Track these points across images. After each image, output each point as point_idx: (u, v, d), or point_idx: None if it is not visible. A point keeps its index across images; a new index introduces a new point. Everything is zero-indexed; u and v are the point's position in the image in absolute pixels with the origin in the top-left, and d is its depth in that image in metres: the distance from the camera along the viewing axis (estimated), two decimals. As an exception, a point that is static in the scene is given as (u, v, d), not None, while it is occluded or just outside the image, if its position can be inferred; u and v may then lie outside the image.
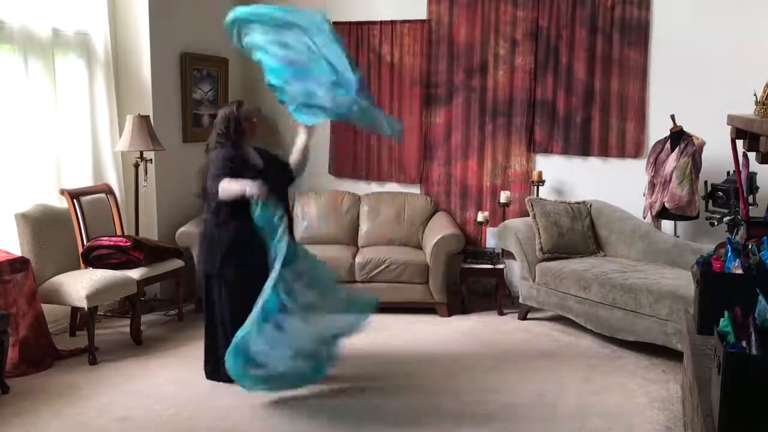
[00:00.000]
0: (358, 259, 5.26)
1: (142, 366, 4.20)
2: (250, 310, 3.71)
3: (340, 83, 3.54)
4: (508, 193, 5.66)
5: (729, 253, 3.19)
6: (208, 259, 3.79)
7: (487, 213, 5.71)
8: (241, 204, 3.57)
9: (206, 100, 5.85)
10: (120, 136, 5.08)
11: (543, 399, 3.79)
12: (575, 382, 4.03)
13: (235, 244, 3.70)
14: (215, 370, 3.90)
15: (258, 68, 6.48)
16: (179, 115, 5.60)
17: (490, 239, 5.68)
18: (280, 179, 3.86)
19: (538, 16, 5.64)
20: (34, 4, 4.49)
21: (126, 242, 4.61)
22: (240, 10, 3.71)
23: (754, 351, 2.25)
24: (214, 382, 3.91)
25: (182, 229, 5.23)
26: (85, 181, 4.98)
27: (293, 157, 4.01)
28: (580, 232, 5.22)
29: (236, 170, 3.64)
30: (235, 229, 3.69)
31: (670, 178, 4.91)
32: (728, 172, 4.78)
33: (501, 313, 5.35)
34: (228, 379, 3.82)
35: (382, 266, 5.20)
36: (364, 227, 5.81)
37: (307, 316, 3.57)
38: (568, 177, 5.75)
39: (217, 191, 3.60)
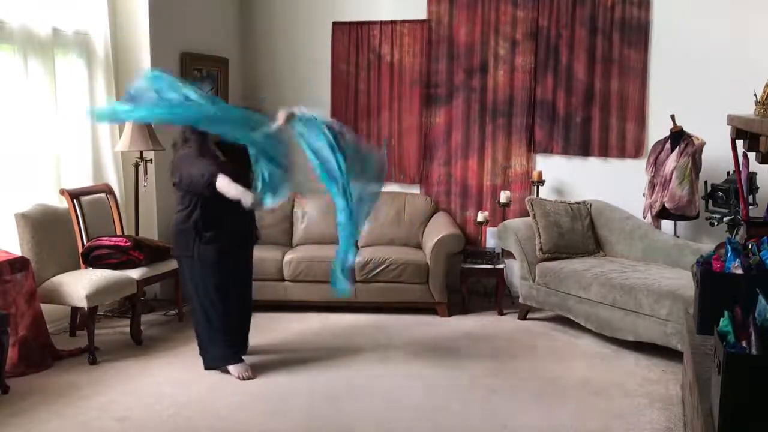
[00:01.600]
0: (358, 259, 5.24)
1: (142, 366, 4.20)
2: (228, 287, 3.97)
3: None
4: (508, 193, 5.66)
5: (729, 253, 3.19)
6: (180, 243, 3.97)
7: (487, 213, 5.71)
8: (210, 195, 3.80)
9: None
10: (120, 136, 5.08)
11: (543, 399, 3.79)
12: (575, 382, 4.03)
13: (203, 228, 3.89)
14: (204, 358, 4.09)
15: (258, 69, 6.49)
16: (179, 115, 5.59)
17: (490, 239, 5.68)
18: (241, 171, 3.92)
19: (538, 16, 5.64)
20: (34, 3, 4.48)
21: (126, 242, 4.61)
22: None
23: (754, 351, 2.25)
24: (214, 382, 3.92)
25: (182, 229, 5.23)
26: (85, 181, 4.98)
27: None
28: (580, 232, 5.22)
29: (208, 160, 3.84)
30: (201, 216, 3.89)
31: (670, 178, 4.91)
32: (728, 172, 4.78)
33: (501, 313, 5.35)
34: (214, 366, 4.02)
35: (382, 266, 5.20)
36: (364, 227, 5.80)
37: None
38: (568, 177, 5.75)
39: (193, 181, 3.80)
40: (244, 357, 4.15)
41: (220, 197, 3.77)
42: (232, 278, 4.02)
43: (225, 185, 3.74)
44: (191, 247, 3.91)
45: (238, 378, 3.95)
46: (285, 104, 6.21)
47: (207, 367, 4.07)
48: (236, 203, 3.85)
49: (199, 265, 3.92)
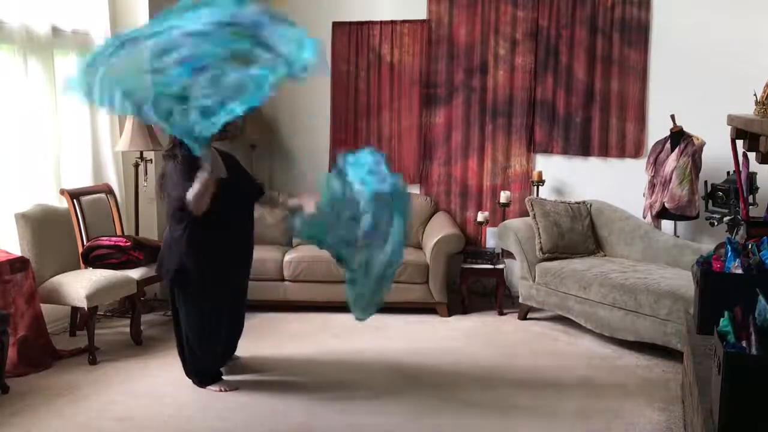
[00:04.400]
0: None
1: (142, 366, 4.20)
2: (210, 316, 3.73)
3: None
4: (508, 193, 5.65)
5: (729, 253, 3.19)
6: (169, 269, 3.72)
7: (487, 213, 5.71)
8: (207, 215, 3.52)
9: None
10: (120, 136, 5.08)
11: (543, 399, 3.79)
12: (575, 382, 4.03)
13: (194, 253, 3.63)
14: (187, 372, 3.92)
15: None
16: (179, 115, 5.59)
17: (490, 239, 5.68)
18: (244, 189, 3.81)
19: (538, 16, 5.64)
20: (34, 3, 4.48)
21: (126, 242, 4.61)
22: None
23: (754, 351, 2.26)
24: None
25: (182, 229, 5.22)
26: (85, 181, 4.98)
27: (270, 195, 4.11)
28: (580, 232, 5.22)
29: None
30: (193, 237, 3.62)
31: (670, 178, 4.91)
32: (728, 172, 4.78)
33: (501, 313, 5.35)
34: (197, 382, 3.86)
35: (382, 266, 5.19)
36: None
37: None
38: (568, 177, 5.75)
39: (180, 210, 3.53)
40: (240, 356, 4.19)
41: (211, 215, 3.52)
42: (224, 302, 3.81)
43: (191, 198, 3.45)
44: (183, 269, 3.64)
45: (219, 391, 3.81)
46: (284, 105, 6.23)
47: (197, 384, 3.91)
48: (234, 221, 3.70)
49: (190, 290, 3.71)
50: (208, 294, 3.71)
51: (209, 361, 3.87)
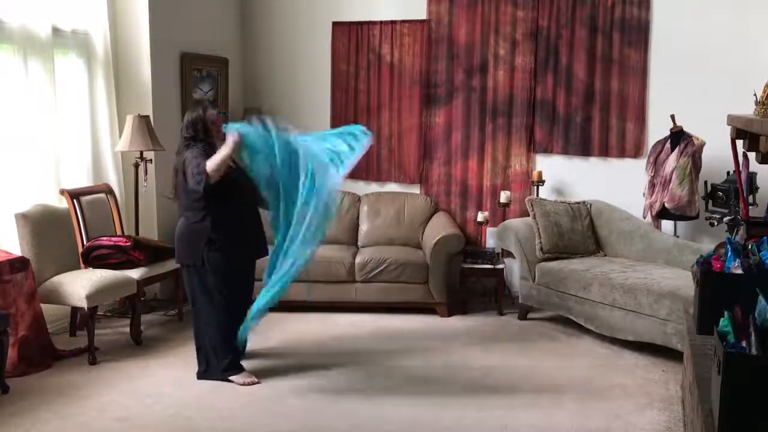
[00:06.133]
0: (358, 259, 5.26)
1: (142, 366, 4.20)
2: (237, 295, 3.91)
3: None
4: (508, 193, 5.65)
5: (729, 253, 3.19)
6: (191, 252, 3.86)
7: (487, 213, 5.71)
8: (222, 201, 3.77)
9: (206, 100, 5.84)
10: (120, 136, 5.08)
11: (543, 399, 3.79)
12: (575, 382, 4.03)
13: (215, 235, 3.81)
14: (206, 370, 3.97)
15: (258, 69, 6.48)
16: (179, 115, 5.59)
17: (490, 239, 5.68)
18: (248, 182, 3.90)
19: (538, 16, 5.64)
20: (34, 3, 4.48)
21: (126, 242, 4.61)
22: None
23: (754, 351, 2.25)
24: (215, 383, 3.92)
25: (182, 229, 5.22)
26: (85, 181, 4.98)
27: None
28: (580, 232, 5.22)
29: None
30: (213, 222, 3.81)
31: (670, 178, 4.91)
32: (728, 172, 4.78)
33: (501, 313, 5.35)
34: (218, 377, 3.93)
35: (382, 266, 5.19)
36: (364, 227, 5.81)
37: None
38: (568, 177, 5.75)
39: (199, 189, 3.69)
40: (244, 360, 4.17)
41: (230, 203, 3.78)
42: (241, 287, 3.95)
43: (211, 165, 3.66)
44: (200, 254, 3.81)
45: (243, 385, 3.87)
46: (284, 105, 6.22)
47: (203, 378, 3.97)
48: (247, 211, 3.87)
49: (208, 274, 3.83)
50: (225, 276, 3.85)
51: (237, 343, 3.94)
